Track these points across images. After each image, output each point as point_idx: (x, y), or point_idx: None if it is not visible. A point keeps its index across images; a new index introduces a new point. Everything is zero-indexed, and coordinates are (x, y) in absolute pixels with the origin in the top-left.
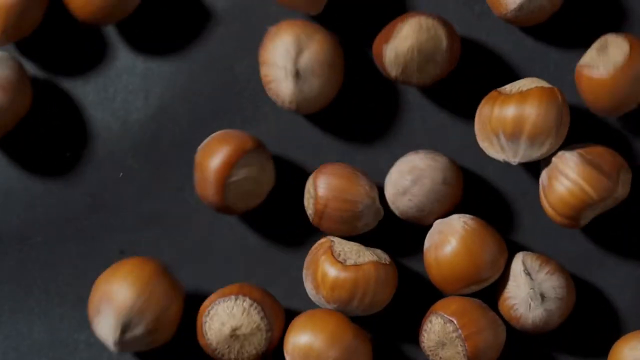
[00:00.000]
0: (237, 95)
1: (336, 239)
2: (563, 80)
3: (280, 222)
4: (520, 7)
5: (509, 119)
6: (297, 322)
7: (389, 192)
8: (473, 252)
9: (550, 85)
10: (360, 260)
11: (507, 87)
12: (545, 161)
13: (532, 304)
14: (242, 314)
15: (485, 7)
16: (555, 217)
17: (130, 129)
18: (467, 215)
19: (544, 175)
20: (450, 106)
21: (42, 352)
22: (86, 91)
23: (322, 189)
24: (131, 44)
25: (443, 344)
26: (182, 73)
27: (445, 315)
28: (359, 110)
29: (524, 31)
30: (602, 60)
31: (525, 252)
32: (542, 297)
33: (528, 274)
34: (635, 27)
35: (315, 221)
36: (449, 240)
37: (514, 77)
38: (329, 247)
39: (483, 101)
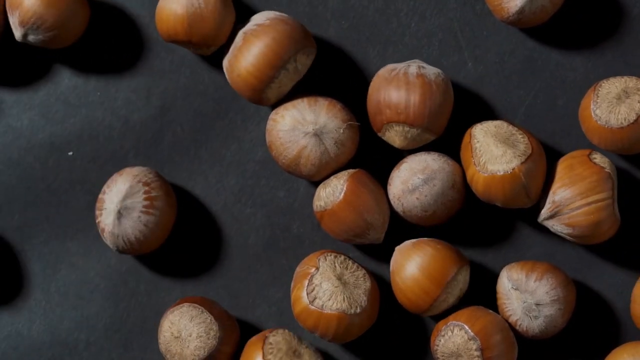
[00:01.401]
0: (238, 96)
1: (322, 266)
2: (564, 79)
3: (280, 223)
4: (521, 10)
5: (478, 195)
6: None
7: (397, 188)
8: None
9: (510, 171)
10: (328, 305)
11: (481, 157)
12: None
13: (530, 315)
14: (190, 320)
15: (485, 7)
16: (604, 238)
17: (132, 128)
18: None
19: (559, 228)
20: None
21: (41, 351)
22: (87, 90)
23: (349, 194)
24: (133, 44)
25: (458, 356)
26: (184, 73)
27: (470, 332)
28: (360, 107)
29: (525, 31)
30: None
31: (508, 266)
32: (538, 305)
33: (516, 289)
34: (633, 27)
35: (319, 215)
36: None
37: (515, 77)
38: (309, 276)
39: (464, 145)
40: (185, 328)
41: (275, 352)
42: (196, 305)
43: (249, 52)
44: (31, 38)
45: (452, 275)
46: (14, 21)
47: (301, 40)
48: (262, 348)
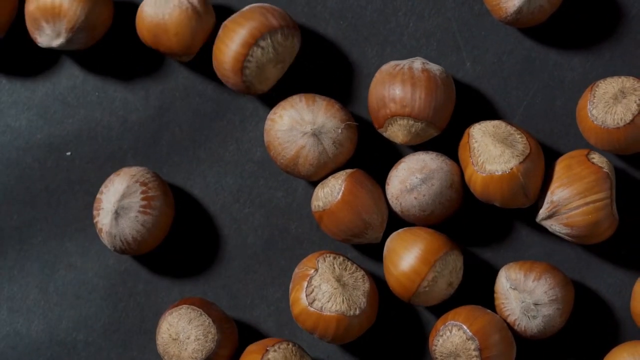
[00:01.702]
0: (237, 96)
1: (321, 267)
2: (563, 79)
3: (278, 223)
4: (519, 10)
5: (477, 194)
6: None
7: (395, 187)
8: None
9: (509, 171)
10: (327, 307)
11: (479, 157)
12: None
13: (529, 315)
14: (188, 322)
15: (483, 7)
16: (602, 238)
17: (131, 128)
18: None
19: (557, 228)
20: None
21: (40, 351)
22: (86, 91)
23: (347, 194)
24: (131, 44)
25: (457, 356)
26: (182, 73)
27: (469, 332)
28: (358, 107)
29: (523, 31)
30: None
31: (507, 266)
32: (536, 305)
33: (515, 288)
34: (632, 27)
35: (317, 215)
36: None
37: (515, 77)
38: (308, 277)
39: (462, 146)
40: (183, 330)
41: None
42: (195, 307)
43: (226, 36)
44: (74, 44)
45: (440, 254)
46: (57, 29)
47: (277, 21)
48: None
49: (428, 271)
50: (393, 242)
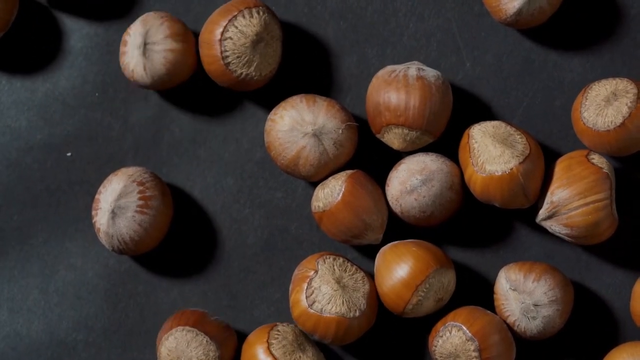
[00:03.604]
0: (237, 96)
1: (321, 269)
2: (562, 80)
3: (278, 223)
4: (519, 11)
5: (476, 195)
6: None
7: (395, 188)
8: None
9: (509, 171)
10: (327, 309)
11: (479, 158)
12: (549, 223)
13: (528, 316)
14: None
15: (483, 9)
16: (602, 239)
17: (131, 129)
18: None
19: (557, 228)
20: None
21: (40, 352)
22: (86, 91)
23: (347, 195)
24: None
25: (457, 357)
26: None
27: (468, 332)
28: (358, 108)
29: (523, 32)
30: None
31: (506, 267)
32: (536, 306)
33: (514, 289)
34: (631, 28)
35: (317, 216)
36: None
37: (515, 78)
38: (308, 279)
39: (461, 152)
40: (183, 354)
41: (280, 339)
42: (189, 327)
43: (203, 49)
44: None
45: (422, 279)
46: None
47: (234, 7)
48: (269, 332)
49: (411, 296)
50: (380, 261)
